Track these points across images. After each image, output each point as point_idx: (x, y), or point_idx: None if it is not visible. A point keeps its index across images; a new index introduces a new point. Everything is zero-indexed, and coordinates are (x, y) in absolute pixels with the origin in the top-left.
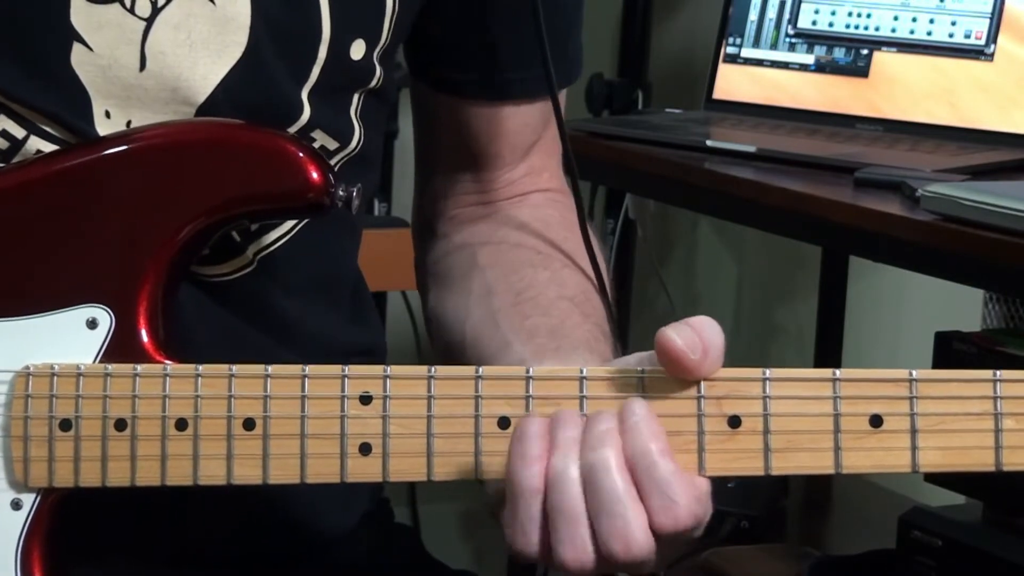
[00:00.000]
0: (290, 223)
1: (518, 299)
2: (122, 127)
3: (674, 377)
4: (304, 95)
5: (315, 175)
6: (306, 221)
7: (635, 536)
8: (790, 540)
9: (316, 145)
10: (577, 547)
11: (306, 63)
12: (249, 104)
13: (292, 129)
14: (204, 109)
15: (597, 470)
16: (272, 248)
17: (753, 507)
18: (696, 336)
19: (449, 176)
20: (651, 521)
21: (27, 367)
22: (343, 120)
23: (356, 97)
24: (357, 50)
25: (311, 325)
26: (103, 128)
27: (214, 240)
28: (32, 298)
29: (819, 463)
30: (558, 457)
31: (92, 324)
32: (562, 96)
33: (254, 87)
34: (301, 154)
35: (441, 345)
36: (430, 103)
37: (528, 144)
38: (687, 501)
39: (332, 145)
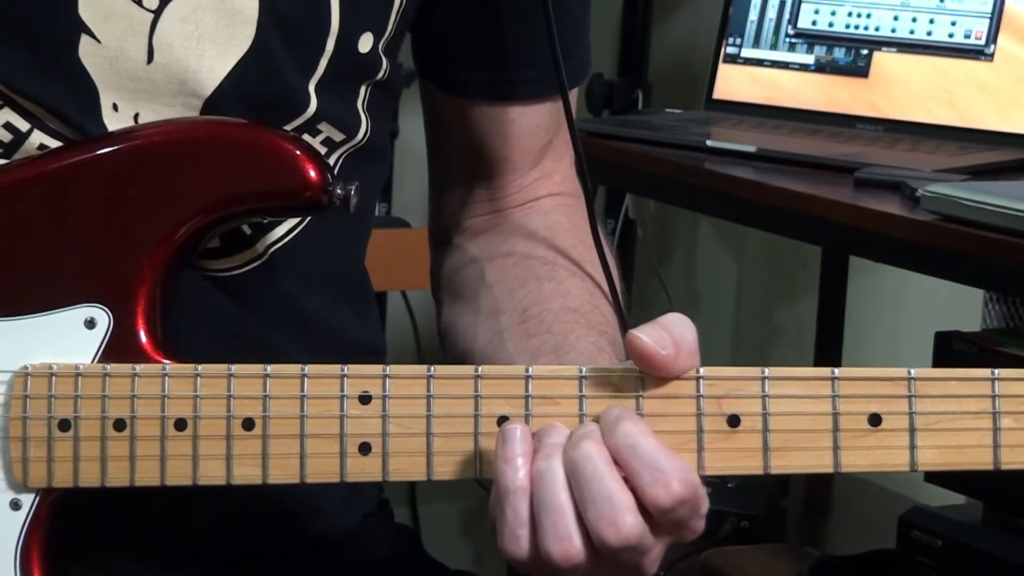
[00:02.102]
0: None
1: (523, 316)
2: (129, 119)
3: (655, 376)
4: (311, 87)
5: (313, 173)
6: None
7: (624, 518)
8: (790, 540)
9: (322, 137)
10: (562, 538)
11: (314, 56)
12: (256, 96)
13: (299, 121)
14: (211, 101)
15: (580, 462)
16: (282, 242)
17: (753, 507)
18: (665, 333)
19: (462, 184)
20: (644, 497)
21: (25, 367)
22: (350, 112)
23: (363, 89)
24: (365, 43)
25: (319, 320)
26: (110, 121)
27: (213, 236)
28: (30, 298)
29: (818, 462)
30: (542, 456)
31: (90, 324)
32: (571, 96)
33: (261, 80)
34: (298, 152)
35: (453, 359)
36: (439, 105)
37: (539, 147)
38: (677, 469)
39: (338, 137)
